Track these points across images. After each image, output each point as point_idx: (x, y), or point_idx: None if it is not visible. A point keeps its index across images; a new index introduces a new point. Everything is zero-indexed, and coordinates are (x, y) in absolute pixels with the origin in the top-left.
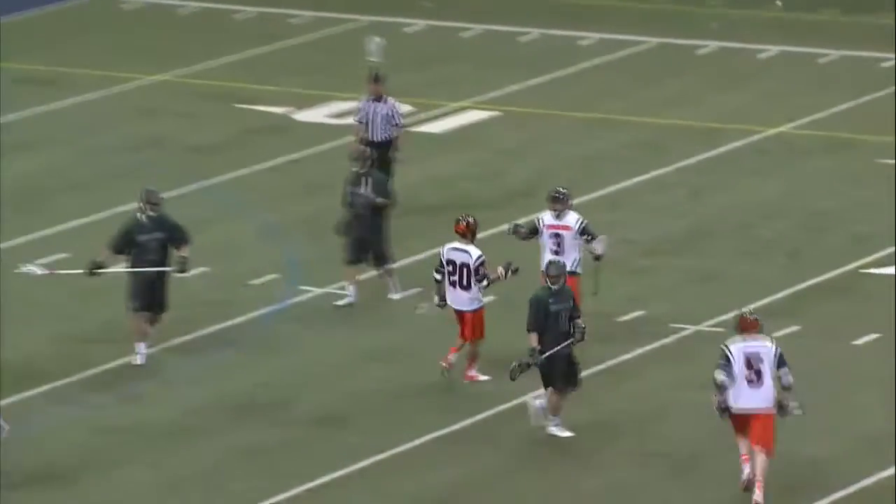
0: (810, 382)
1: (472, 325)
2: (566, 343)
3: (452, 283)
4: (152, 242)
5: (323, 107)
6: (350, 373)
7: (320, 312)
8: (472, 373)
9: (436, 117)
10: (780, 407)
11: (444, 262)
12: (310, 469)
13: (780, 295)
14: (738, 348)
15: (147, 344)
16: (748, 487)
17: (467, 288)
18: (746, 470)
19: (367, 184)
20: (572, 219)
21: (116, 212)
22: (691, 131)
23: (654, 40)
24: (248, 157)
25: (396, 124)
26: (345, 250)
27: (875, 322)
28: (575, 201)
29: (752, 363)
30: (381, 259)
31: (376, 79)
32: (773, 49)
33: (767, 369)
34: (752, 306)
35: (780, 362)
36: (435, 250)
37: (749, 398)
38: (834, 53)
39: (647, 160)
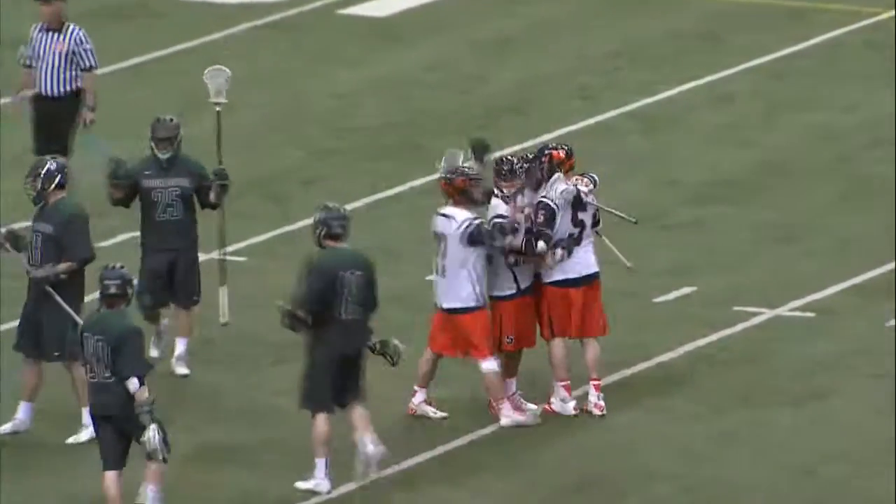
0: None
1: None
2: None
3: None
4: (38, 240)
5: None
6: (247, 385)
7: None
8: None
9: None
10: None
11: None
12: None
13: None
14: (562, 194)
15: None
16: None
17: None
18: (573, 404)
19: (173, 166)
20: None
21: None
22: (764, 14)
23: None
24: (104, 53)
25: (85, 67)
26: (145, 276)
27: None
28: (592, 120)
29: (577, 210)
30: (189, 291)
31: None
32: None
33: (591, 211)
34: (852, 281)
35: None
36: (384, 193)
37: (577, 260)
38: None
39: (699, 58)
